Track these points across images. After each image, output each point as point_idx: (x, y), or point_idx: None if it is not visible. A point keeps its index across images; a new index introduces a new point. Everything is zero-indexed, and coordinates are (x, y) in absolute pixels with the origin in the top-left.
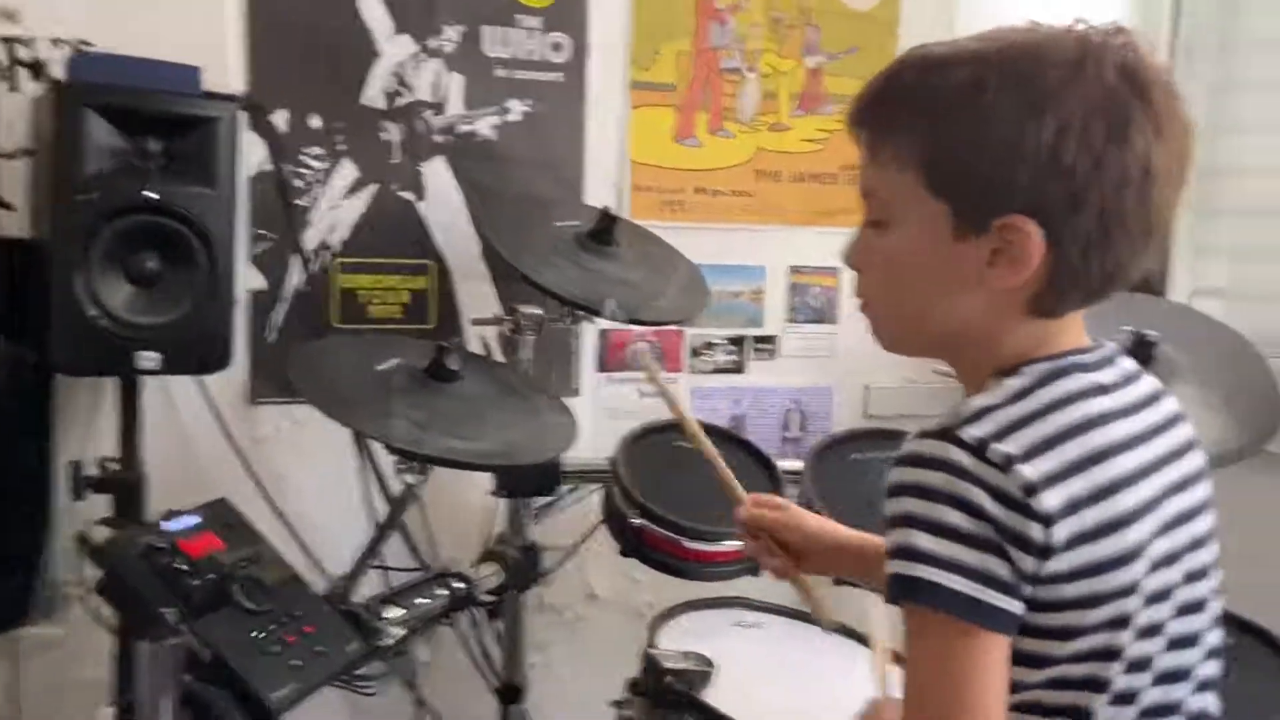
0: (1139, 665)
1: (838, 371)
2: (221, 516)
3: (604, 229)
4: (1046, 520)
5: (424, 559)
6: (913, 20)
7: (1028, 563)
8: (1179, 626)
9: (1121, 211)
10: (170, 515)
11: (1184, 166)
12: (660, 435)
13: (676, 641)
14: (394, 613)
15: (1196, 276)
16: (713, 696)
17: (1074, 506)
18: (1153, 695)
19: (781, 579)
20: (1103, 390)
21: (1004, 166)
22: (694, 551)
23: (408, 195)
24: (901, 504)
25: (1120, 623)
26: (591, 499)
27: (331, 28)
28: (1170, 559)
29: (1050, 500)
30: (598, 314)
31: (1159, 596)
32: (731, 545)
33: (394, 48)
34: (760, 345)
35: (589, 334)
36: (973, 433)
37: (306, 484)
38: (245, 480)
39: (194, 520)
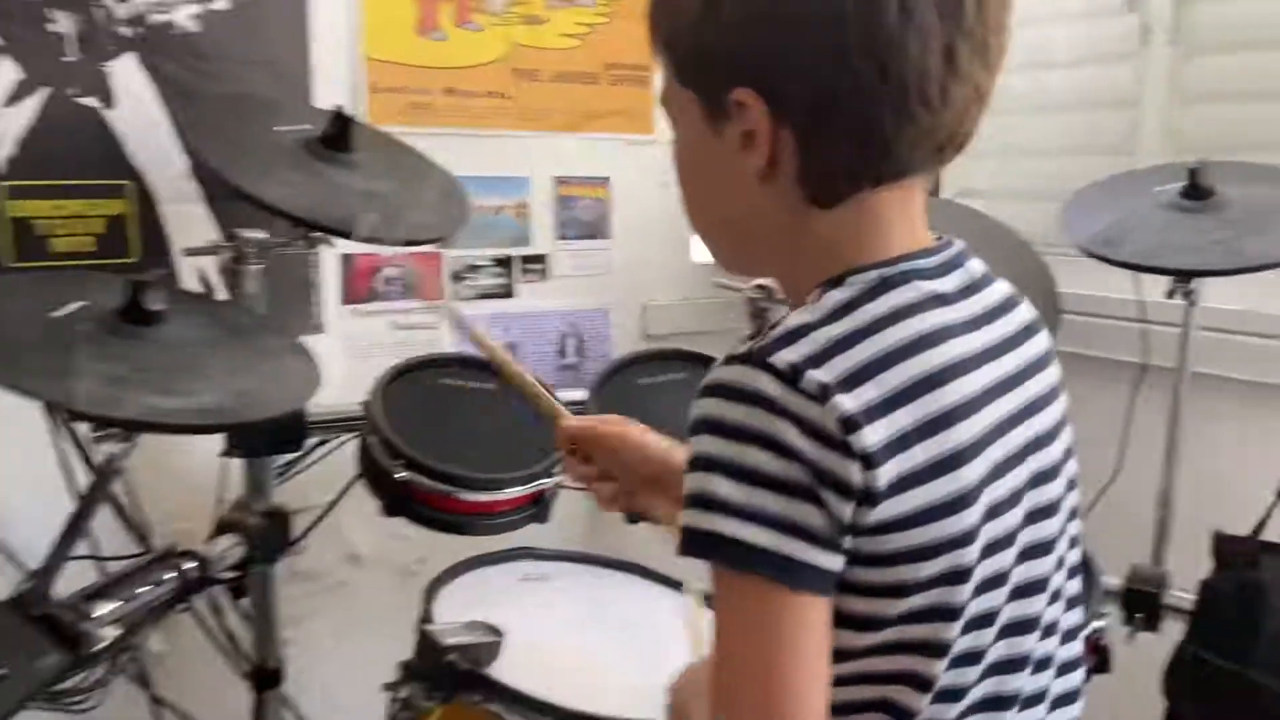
0: (982, 621)
1: (614, 291)
2: None
3: (338, 133)
4: (868, 460)
5: (150, 541)
6: None
7: (846, 510)
8: (1025, 572)
9: (847, 68)
10: None
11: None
12: (421, 373)
13: (457, 610)
14: (106, 609)
15: (961, 176)
16: (504, 669)
17: (902, 442)
18: (998, 650)
19: (610, 509)
20: (942, 301)
21: (715, 36)
22: (471, 504)
23: (90, 102)
24: (701, 443)
25: (959, 576)
26: (345, 450)
27: None
28: (1015, 496)
29: (872, 436)
30: (344, 235)
31: (1003, 542)
32: (514, 492)
33: None
34: (529, 266)
35: (330, 260)
36: (786, 357)
37: None
38: None
39: None
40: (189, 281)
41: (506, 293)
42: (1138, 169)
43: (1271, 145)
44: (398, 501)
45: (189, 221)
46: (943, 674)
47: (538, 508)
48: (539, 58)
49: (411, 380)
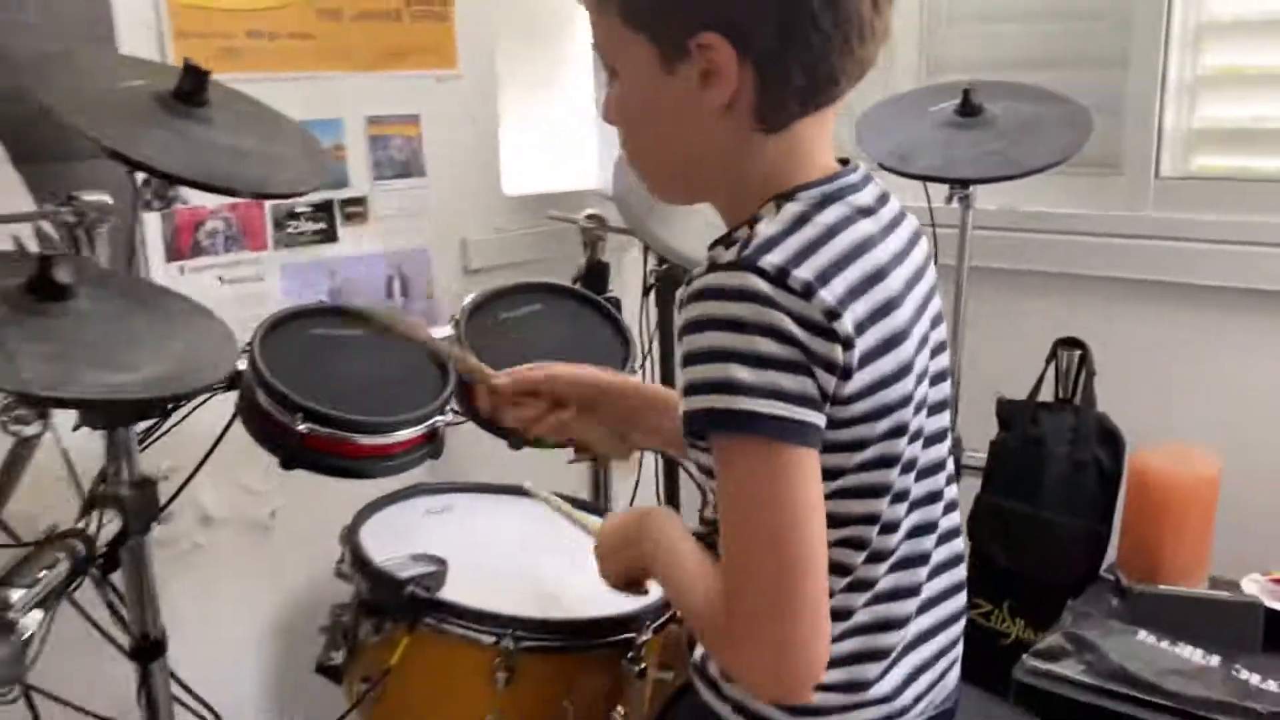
0: (909, 467)
1: (432, 229)
2: None
3: (193, 88)
4: (846, 342)
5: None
6: None
7: (830, 383)
8: (933, 426)
9: (806, 15)
10: None
11: None
12: (290, 325)
13: (384, 549)
14: (17, 595)
15: None
16: (452, 593)
17: (861, 327)
18: (918, 489)
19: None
20: (867, 213)
21: None
22: (370, 447)
23: None
24: (708, 338)
25: (899, 431)
26: (196, 414)
27: None
28: (924, 371)
29: (847, 323)
30: (228, 193)
31: (924, 405)
32: (410, 433)
33: None
34: (350, 209)
35: (151, 219)
36: (771, 260)
37: None
38: None
39: None
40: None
41: (330, 238)
42: (917, 89)
43: (1011, 63)
44: (295, 454)
45: None
46: (886, 509)
47: (432, 445)
48: None
49: (283, 334)
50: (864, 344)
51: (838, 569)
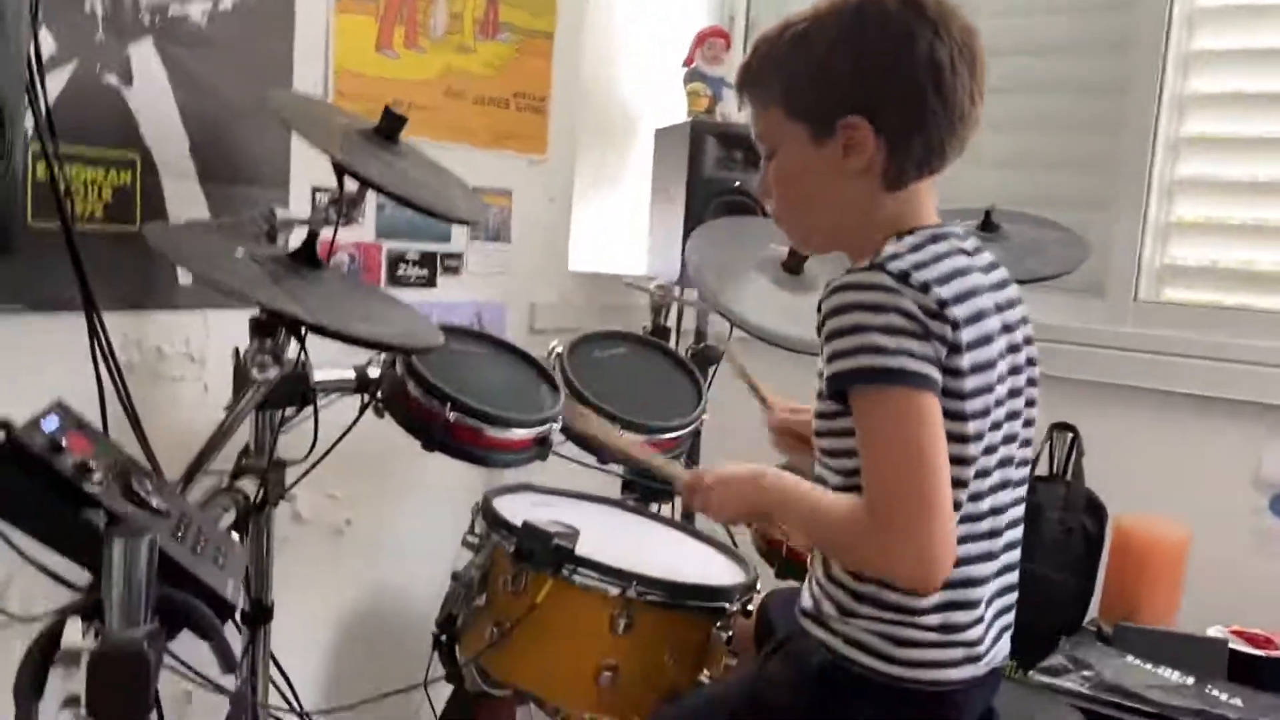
0: (991, 449)
1: (510, 288)
2: (70, 414)
3: (392, 128)
4: (955, 324)
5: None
6: None
7: (944, 354)
8: (1010, 427)
9: (922, 99)
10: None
11: (971, 58)
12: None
13: (517, 517)
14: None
15: None
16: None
17: (964, 322)
18: (997, 475)
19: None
20: (966, 253)
21: (830, 86)
22: (496, 440)
23: (112, 80)
24: (850, 318)
25: (985, 412)
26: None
27: None
28: (1003, 373)
29: (955, 312)
30: (433, 214)
31: (1002, 400)
32: (524, 434)
33: None
34: (448, 262)
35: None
36: (896, 265)
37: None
38: None
39: (55, 419)
40: None
41: (430, 283)
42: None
43: (1016, 202)
44: (437, 438)
45: (185, 196)
46: (965, 501)
47: (541, 448)
48: (466, 81)
49: None
50: (966, 334)
51: None
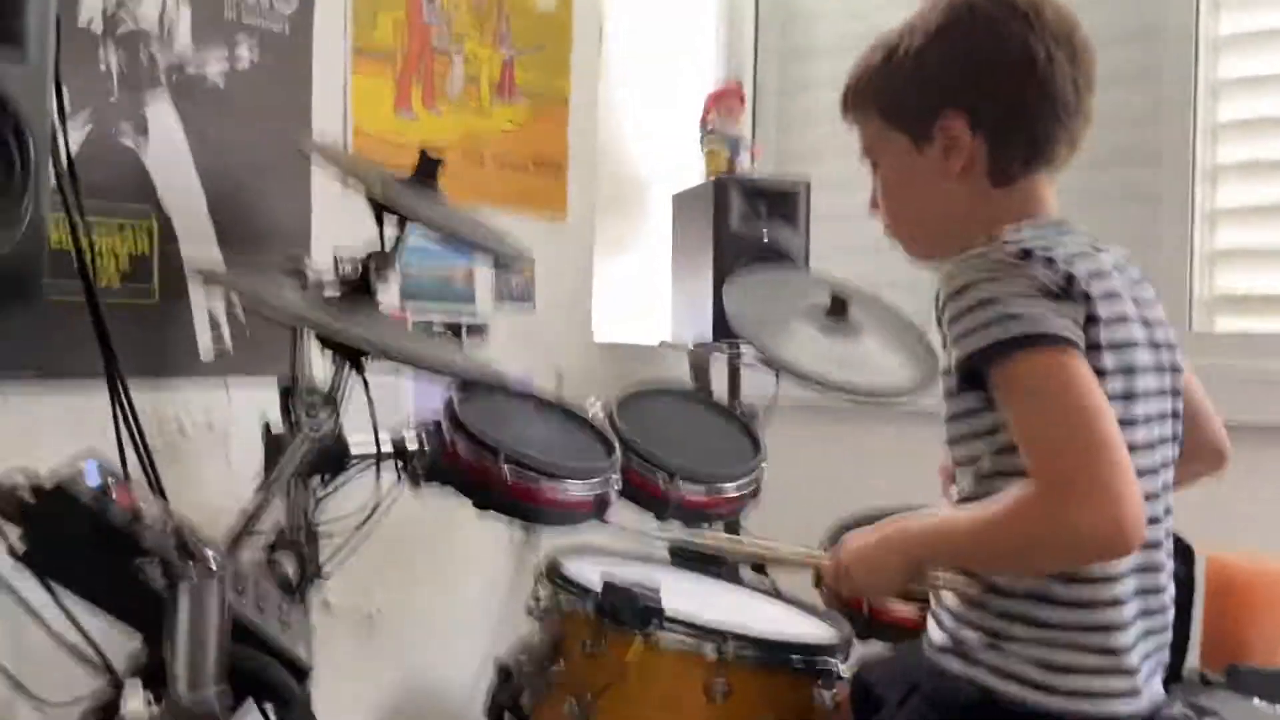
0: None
1: (535, 356)
2: (108, 469)
3: (429, 170)
4: (1087, 297)
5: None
6: (582, 20)
7: (1082, 320)
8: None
9: (1017, 91)
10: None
11: (1070, 48)
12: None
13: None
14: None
15: None
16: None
17: (1098, 298)
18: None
19: None
20: (1095, 247)
21: (922, 89)
22: (552, 498)
23: (128, 141)
24: (975, 293)
25: (1130, 395)
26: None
27: None
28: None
29: (1084, 286)
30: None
31: (1150, 392)
32: (582, 492)
33: None
34: (472, 328)
35: None
36: (1017, 244)
37: None
38: None
39: (96, 472)
40: (197, 317)
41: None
42: None
43: None
44: (491, 496)
45: (204, 262)
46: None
47: (599, 510)
48: (484, 143)
49: (470, 399)
50: (1101, 310)
51: None
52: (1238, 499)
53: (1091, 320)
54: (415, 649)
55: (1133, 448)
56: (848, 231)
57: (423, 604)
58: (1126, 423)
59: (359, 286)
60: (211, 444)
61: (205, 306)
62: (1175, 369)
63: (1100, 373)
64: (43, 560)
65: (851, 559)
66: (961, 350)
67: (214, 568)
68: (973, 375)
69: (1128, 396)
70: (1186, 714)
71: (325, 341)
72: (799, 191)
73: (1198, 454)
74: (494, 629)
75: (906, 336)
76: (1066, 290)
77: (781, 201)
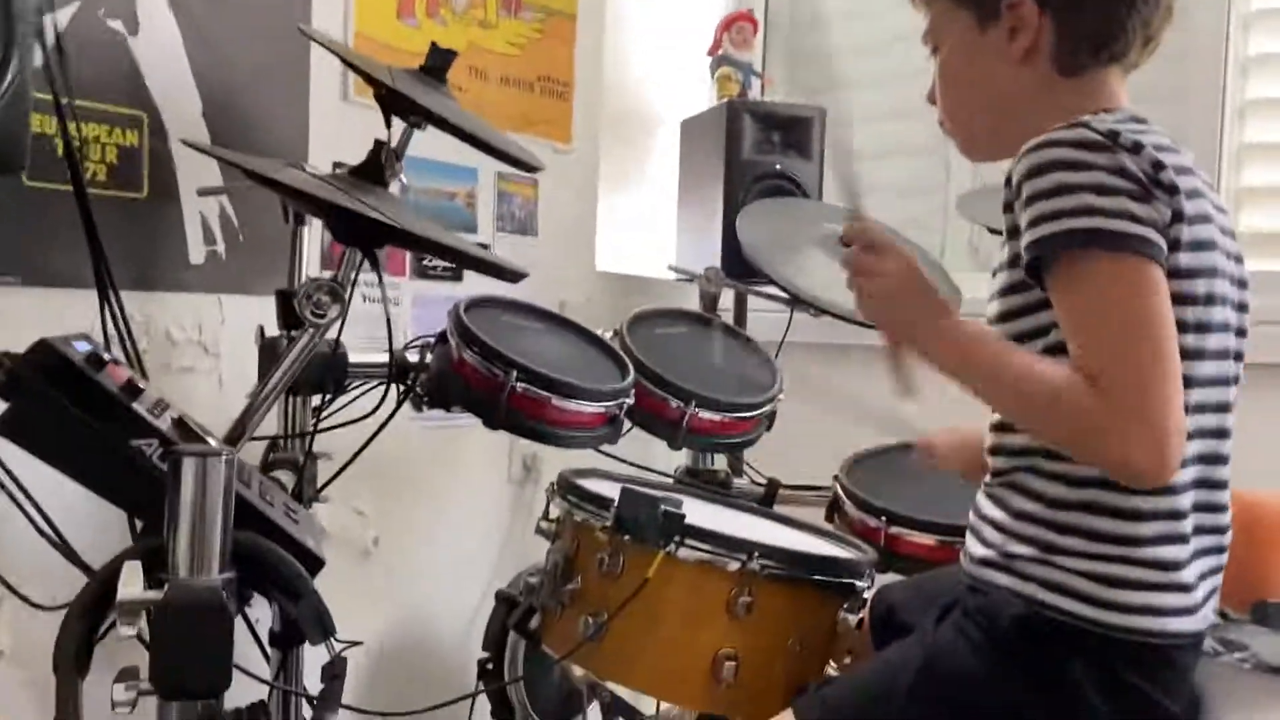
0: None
1: (537, 285)
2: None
3: (441, 64)
4: (1173, 189)
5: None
6: None
7: (1168, 218)
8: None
9: None
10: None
11: None
12: (482, 309)
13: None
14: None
15: None
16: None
17: (1185, 194)
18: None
19: None
20: (1174, 145)
21: None
22: (564, 415)
23: (117, 25)
24: (1055, 177)
25: (1209, 300)
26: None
27: None
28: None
29: (1172, 176)
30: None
31: (1227, 298)
32: (595, 409)
33: None
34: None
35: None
36: (1103, 125)
37: None
38: None
39: (86, 345)
40: (189, 216)
41: (458, 277)
42: None
43: None
44: (501, 411)
45: (196, 162)
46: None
47: (612, 427)
48: (489, 60)
49: (479, 315)
50: (1188, 207)
51: None
52: (1264, 436)
53: (1177, 217)
54: (413, 581)
55: (1211, 353)
56: (859, 169)
57: (422, 535)
58: (1197, 329)
59: (369, 173)
60: (203, 361)
61: (198, 207)
62: (1242, 306)
63: (1179, 274)
64: (27, 429)
65: (884, 269)
66: (1032, 236)
67: (216, 445)
68: (1039, 265)
69: (1208, 301)
70: (1215, 647)
71: (336, 227)
72: (813, 118)
73: None
74: (494, 562)
75: (928, 271)
76: (1155, 180)
77: (795, 129)
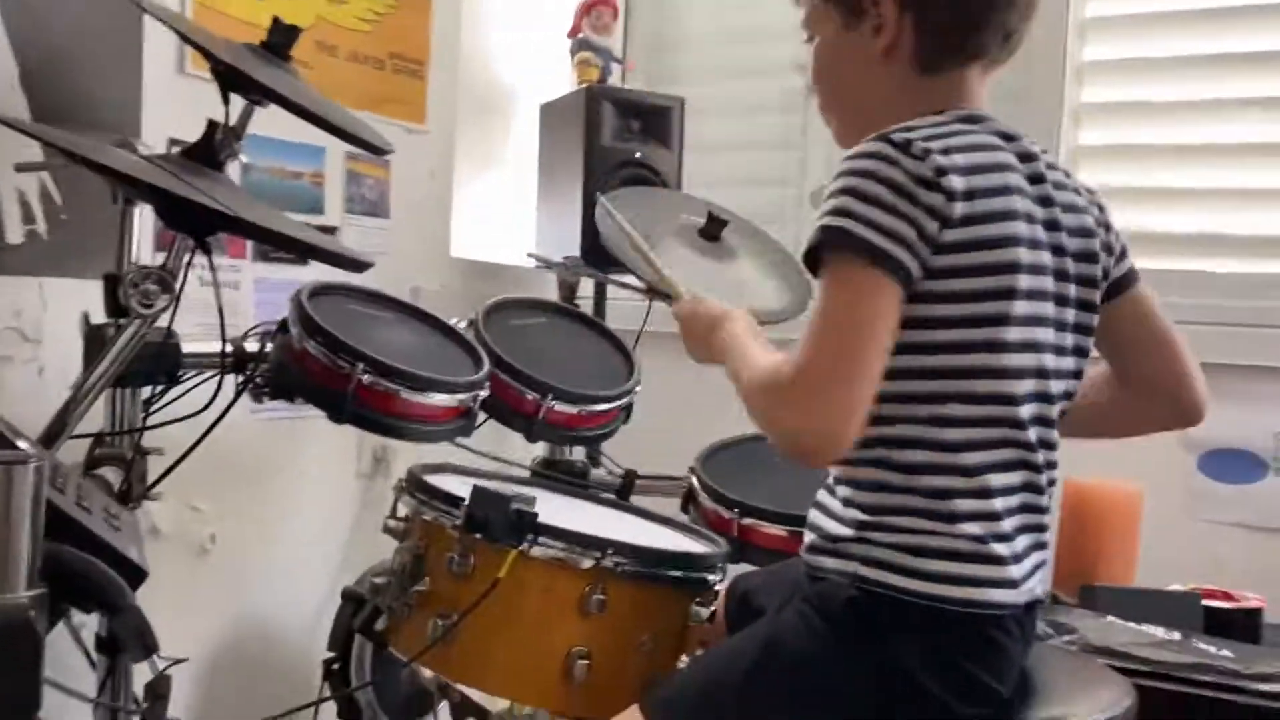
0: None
1: (389, 271)
2: None
3: (284, 40)
4: (950, 195)
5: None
6: None
7: (932, 228)
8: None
9: None
10: None
11: None
12: (328, 297)
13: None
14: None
15: None
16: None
17: (971, 195)
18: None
19: None
20: (1006, 137)
21: None
22: (414, 409)
23: None
24: (840, 182)
25: (1008, 293)
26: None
27: None
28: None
29: (955, 183)
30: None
31: (1046, 292)
32: (446, 402)
33: None
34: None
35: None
36: (901, 134)
37: None
38: None
39: None
40: (8, 201)
41: (302, 260)
42: None
43: None
44: (347, 405)
45: (13, 136)
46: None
47: (466, 421)
48: (338, 35)
49: (324, 304)
50: (971, 208)
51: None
52: None
53: (947, 222)
54: (253, 581)
55: (1002, 372)
56: (716, 162)
57: (262, 532)
58: (998, 320)
59: (202, 155)
60: (22, 350)
61: (14, 183)
62: (1087, 281)
63: (947, 272)
64: None
65: (686, 313)
66: (820, 223)
67: (25, 450)
68: (817, 246)
69: (1007, 295)
70: (1046, 630)
71: (165, 213)
72: (673, 108)
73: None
74: (341, 559)
75: (782, 263)
76: (930, 183)
77: (655, 118)
